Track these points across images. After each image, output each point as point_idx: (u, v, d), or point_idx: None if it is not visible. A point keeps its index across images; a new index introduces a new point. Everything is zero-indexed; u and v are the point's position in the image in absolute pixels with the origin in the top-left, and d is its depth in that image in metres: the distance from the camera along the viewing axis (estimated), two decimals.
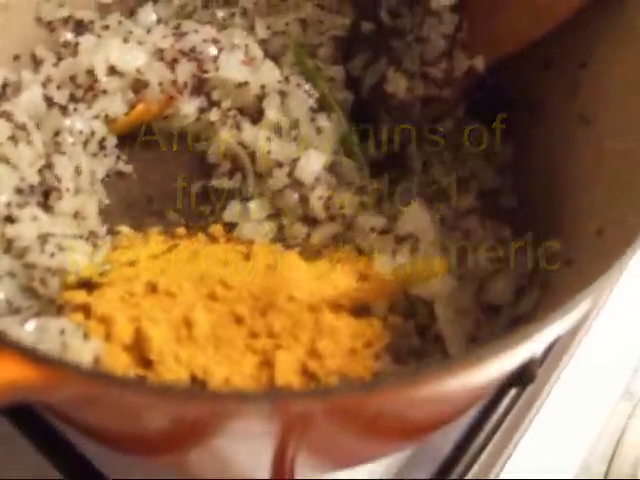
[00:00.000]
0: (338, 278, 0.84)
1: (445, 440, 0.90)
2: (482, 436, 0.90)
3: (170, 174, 0.98)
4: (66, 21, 1.00)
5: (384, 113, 0.96)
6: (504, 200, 0.95)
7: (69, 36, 1.00)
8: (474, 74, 0.90)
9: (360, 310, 0.83)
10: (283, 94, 0.95)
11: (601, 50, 0.86)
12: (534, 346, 0.63)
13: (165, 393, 0.50)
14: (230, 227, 0.93)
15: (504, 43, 0.89)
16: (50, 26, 0.99)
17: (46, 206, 0.91)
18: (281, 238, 0.91)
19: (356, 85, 0.99)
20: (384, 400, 0.55)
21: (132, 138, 0.99)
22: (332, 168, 0.92)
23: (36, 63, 0.98)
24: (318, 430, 0.63)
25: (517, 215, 0.94)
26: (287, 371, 0.78)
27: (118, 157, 0.97)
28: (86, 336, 0.78)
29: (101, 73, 0.96)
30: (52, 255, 0.84)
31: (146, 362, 0.78)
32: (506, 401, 0.93)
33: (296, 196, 0.91)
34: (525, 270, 0.87)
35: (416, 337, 0.83)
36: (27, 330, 0.79)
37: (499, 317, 0.85)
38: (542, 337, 0.60)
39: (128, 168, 0.98)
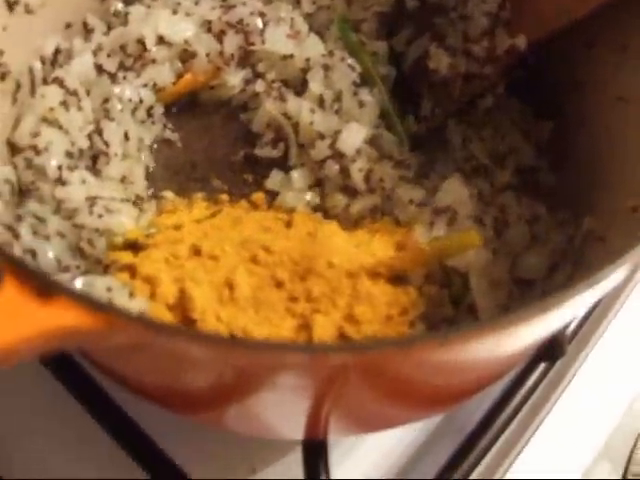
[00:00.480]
0: (376, 247, 0.86)
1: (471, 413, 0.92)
2: (508, 410, 0.92)
3: (215, 142, 1.01)
4: None
5: (426, 88, 0.97)
6: (542, 177, 0.97)
7: (119, 6, 1.03)
8: (516, 52, 0.92)
9: (397, 279, 0.85)
10: (327, 67, 0.97)
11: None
12: (564, 314, 0.65)
13: (212, 341, 0.53)
14: (272, 195, 0.95)
15: (546, 22, 0.89)
16: None
17: (94, 170, 0.94)
18: (321, 208, 0.94)
19: (399, 60, 1.01)
20: (417, 358, 0.57)
21: (179, 106, 1.01)
22: (373, 141, 0.94)
23: (87, 31, 1.01)
24: (352, 388, 0.65)
25: (553, 192, 0.96)
26: (324, 334, 0.80)
27: (165, 125, 1.00)
28: (131, 295, 0.81)
29: (150, 43, 0.98)
30: (100, 216, 0.87)
31: (189, 321, 0.81)
32: (535, 375, 0.95)
33: (337, 167, 0.93)
34: (559, 246, 0.89)
35: (450, 306, 0.85)
36: (75, 287, 0.82)
37: (532, 291, 0.87)
38: (572, 306, 0.61)
39: (174, 136, 1.00)
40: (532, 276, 0.88)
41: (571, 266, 0.86)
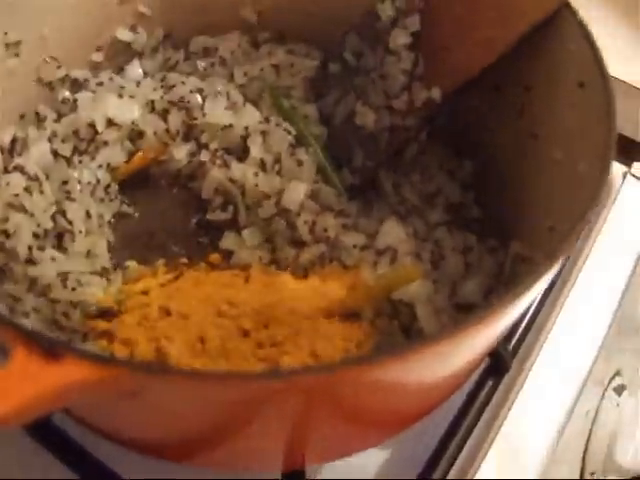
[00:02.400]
0: (328, 290, 0.95)
1: (427, 437, 0.99)
2: (468, 420, 1.01)
3: (168, 211, 1.09)
4: (63, 80, 1.10)
5: (356, 143, 1.06)
6: (468, 211, 1.07)
7: (67, 94, 1.11)
8: (433, 103, 1.00)
9: (350, 315, 0.94)
10: (265, 133, 1.06)
11: (542, 73, 0.96)
12: (499, 324, 0.74)
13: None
14: (228, 255, 1.03)
15: (457, 73, 0.98)
16: (50, 86, 1.09)
17: (61, 247, 1.00)
18: (274, 261, 1.02)
19: (329, 120, 1.10)
20: (377, 373, 0.66)
21: (131, 181, 1.09)
22: (313, 195, 1.03)
23: (40, 120, 1.08)
24: (319, 410, 0.73)
25: (481, 223, 1.06)
26: None
27: (121, 200, 1.08)
28: None
29: (101, 126, 1.06)
30: (73, 290, 0.95)
31: None
32: (485, 390, 1.04)
33: (284, 222, 1.01)
34: (492, 271, 0.99)
35: (401, 335, 0.94)
36: None
37: (472, 314, 0.96)
38: (501, 318, 0.71)
39: (130, 209, 1.08)
40: (470, 301, 0.97)
41: (504, 288, 0.95)
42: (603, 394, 1.15)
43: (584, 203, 0.80)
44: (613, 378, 1.18)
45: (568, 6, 0.92)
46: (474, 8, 0.96)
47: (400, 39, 1.01)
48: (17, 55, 1.03)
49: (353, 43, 1.07)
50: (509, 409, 1.04)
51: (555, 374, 1.08)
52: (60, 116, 1.09)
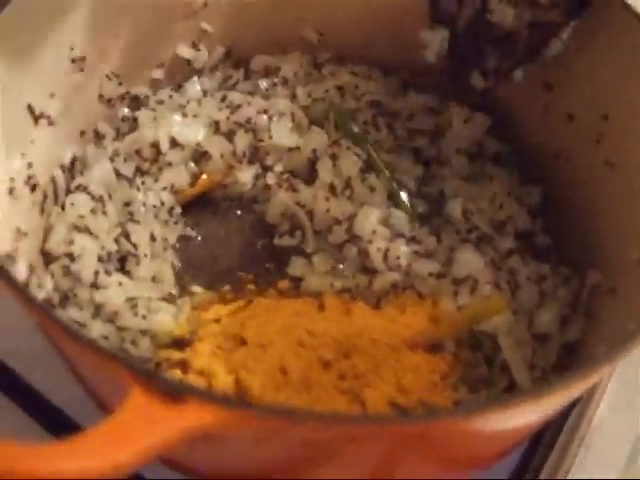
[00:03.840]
0: (410, 321, 0.93)
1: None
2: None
3: (233, 235, 1.06)
4: (123, 97, 1.07)
5: (489, 45, 0.99)
6: (538, 239, 1.05)
7: (126, 111, 1.08)
8: None
9: (432, 347, 0.91)
10: (334, 157, 1.03)
11: (621, 102, 0.95)
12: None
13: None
14: (296, 281, 1.00)
15: None
16: (110, 103, 1.06)
17: (123, 271, 0.97)
18: (344, 289, 0.99)
19: (451, 23, 1.02)
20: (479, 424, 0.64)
21: (193, 204, 1.06)
22: (385, 221, 1.01)
23: (98, 138, 1.05)
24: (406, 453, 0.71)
25: (552, 252, 1.04)
26: (377, 406, 0.86)
27: (185, 223, 1.05)
28: None
29: (164, 146, 1.03)
30: (143, 317, 0.92)
31: None
32: None
33: (355, 249, 0.99)
34: (567, 301, 0.97)
35: (485, 367, 0.92)
36: None
37: (549, 345, 0.94)
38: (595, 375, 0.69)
39: (193, 232, 1.05)
40: (547, 331, 0.95)
41: (583, 318, 0.94)
42: None
43: None
44: None
45: None
46: None
47: None
48: (82, 70, 1.00)
49: None
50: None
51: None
52: (119, 134, 1.06)
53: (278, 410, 0.63)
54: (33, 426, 0.91)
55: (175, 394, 0.60)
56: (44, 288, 0.90)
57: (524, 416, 0.73)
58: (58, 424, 0.92)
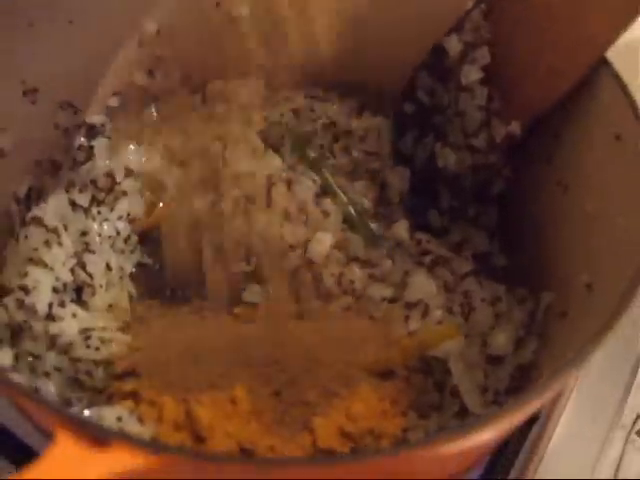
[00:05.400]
0: (361, 344, 0.93)
1: None
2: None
3: (188, 262, 1.06)
4: (79, 126, 1.07)
5: (441, 184, 1.05)
6: (495, 260, 1.05)
7: (83, 140, 1.08)
8: (513, 138, 0.98)
9: (383, 373, 0.92)
10: (289, 182, 1.04)
11: (573, 122, 0.94)
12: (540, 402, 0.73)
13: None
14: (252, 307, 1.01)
15: (534, 105, 0.96)
16: (66, 132, 1.06)
17: (80, 301, 0.98)
18: (299, 314, 1.00)
19: (410, 161, 1.09)
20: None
21: (150, 231, 1.07)
22: (340, 245, 1.01)
23: (55, 168, 1.06)
24: None
25: (509, 272, 1.04)
26: (326, 435, 0.86)
27: (141, 251, 1.05)
28: (140, 420, 0.85)
29: (119, 176, 1.04)
30: (97, 349, 0.92)
31: (198, 439, 0.86)
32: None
33: (309, 275, 1.00)
34: (522, 322, 0.97)
35: (435, 392, 0.92)
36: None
37: (503, 367, 0.94)
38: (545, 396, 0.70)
39: (150, 260, 1.06)
40: (501, 353, 0.95)
41: (536, 340, 0.94)
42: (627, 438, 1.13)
43: (625, 263, 0.79)
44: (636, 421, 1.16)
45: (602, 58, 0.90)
46: (541, 37, 0.93)
47: (472, 75, 0.99)
48: (34, 102, 1.00)
49: (424, 82, 1.06)
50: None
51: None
52: (76, 164, 1.06)
53: (203, 455, 0.64)
54: None
55: (101, 438, 0.60)
56: None
57: (471, 442, 0.73)
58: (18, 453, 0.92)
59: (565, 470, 1.01)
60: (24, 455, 0.91)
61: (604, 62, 0.90)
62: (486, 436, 0.71)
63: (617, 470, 1.08)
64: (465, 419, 0.89)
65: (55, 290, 0.96)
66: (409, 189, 1.08)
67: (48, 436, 0.63)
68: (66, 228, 1.01)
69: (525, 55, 0.95)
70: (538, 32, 0.94)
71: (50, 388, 0.90)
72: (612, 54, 0.90)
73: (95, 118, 1.09)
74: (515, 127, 0.98)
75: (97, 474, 0.59)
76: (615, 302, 0.75)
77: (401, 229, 1.05)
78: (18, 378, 0.87)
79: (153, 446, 0.59)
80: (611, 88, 0.90)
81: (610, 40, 0.88)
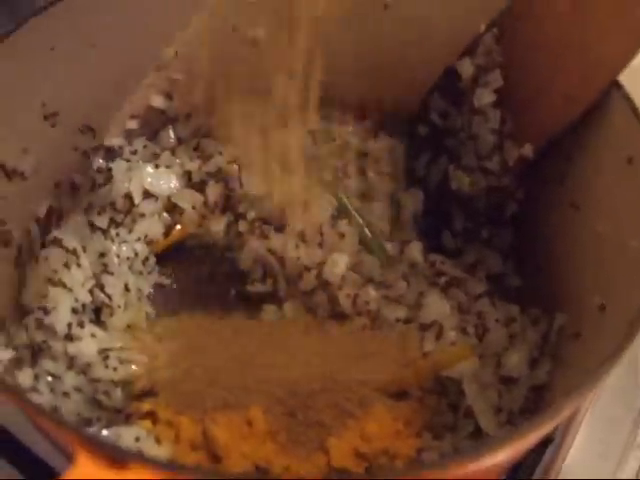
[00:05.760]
0: (376, 365, 0.94)
1: None
2: None
3: (206, 283, 1.07)
4: (97, 149, 1.09)
5: (454, 206, 1.06)
6: (509, 281, 1.06)
7: (101, 162, 1.10)
8: (526, 161, 0.99)
9: (398, 394, 0.93)
10: (305, 204, 1.05)
11: (585, 145, 0.95)
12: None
13: None
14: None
15: (547, 128, 0.97)
16: (84, 155, 1.08)
17: (98, 322, 0.99)
18: (314, 334, 1.00)
19: (423, 183, 1.10)
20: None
21: (168, 252, 1.08)
22: (355, 267, 1.02)
23: (74, 189, 1.07)
24: None
25: (523, 292, 1.05)
26: (340, 455, 0.87)
27: (159, 272, 1.07)
28: (158, 441, 0.87)
29: (137, 198, 1.05)
30: (115, 369, 0.93)
31: (215, 457, 0.87)
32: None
33: (325, 296, 1.01)
34: (536, 343, 0.97)
35: (450, 413, 0.92)
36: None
37: (518, 387, 0.95)
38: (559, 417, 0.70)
39: (167, 280, 1.07)
40: (515, 374, 0.95)
41: (550, 361, 0.94)
42: None
43: (638, 285, 0.79)
44: None
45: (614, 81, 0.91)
46: (553, 61, 0.94)
47: (485, 98, 1.00)
48: (54, 126, 1.01)
49: (437, 104, 1.07)
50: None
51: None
52: (95, 185, 1.08)
53: (221, 475, 0.64)
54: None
55: (119, 459, 0.61)
56: (10, 347, 0.91)
57: (485, 463, 0.73)
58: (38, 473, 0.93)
59: None
60: (45, 475, 0.92)
61: (615, 84, 0.90)
62: (500, 457, 0.72)
63: None
64: (479, 440, 0.89)
65: (74, 311, 0.98)
66: (422, 211, 1.09)
67: (67, 456, 0.64)
68: (85, 250, 1.02)
69: (538, 79, 0.96)
70: (550, 57, 0.94)
71: (69, 408, 0.91)
72: (623, 77, 0.91)
73: (114, 141, 1.11)
74: (528, 150, 0.98)
75: None
76: (628, 324, 0.75)
77: (415, 250, 1.05)
78: (38, 398, 0.88)
79: (170, 467, 0.60)
80: (623, 110, 0.90)
81: (622, 64, 0.89)
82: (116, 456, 0.61)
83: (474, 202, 1.05)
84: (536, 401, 0.93)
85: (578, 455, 1.03)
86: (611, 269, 0.89)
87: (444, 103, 1.06)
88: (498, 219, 1.06)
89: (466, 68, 1.02)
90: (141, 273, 1.04)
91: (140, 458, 0.60)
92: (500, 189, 1.02)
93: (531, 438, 0.72)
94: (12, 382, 0.82)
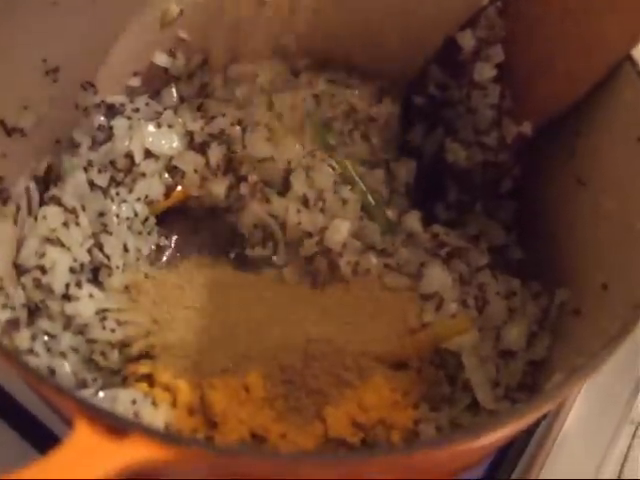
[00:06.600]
0: (376, 333, 0.93)
1: None
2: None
3: (206, 245, 1.07)
4: (99, 106, 1.07)
5: (449, 178, 1.05)
6: (511, 253, 1.05)
7: (102, 119, 1.08)
8: (524, 138, 0.98)
9: (396, 364, 0.92)
10: (308, 168, 1.04)
11: (595, 121, 0.94)
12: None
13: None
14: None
15: (547, 106, 0.95)
16: (85, 111, 1.06)
17: (96, 282, 0.98)
18: (314, 299, 1.00)
19: (417, 154, 1.08)
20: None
21: (167, 214, 1.07)
22: (357, 233, 1.01)
23: (74, 146, 1.06)
24: None
25: (524, 266, 1.04)
26: (338, 424, 0.87)
27: (159, 233, 1.06)
28: (154, 404, 0.86)
29: (139, 157, 1.04)
30: (112, 331, 0.93)
31: (211, 423, 0.86)
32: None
33: (326, 262, 1.00)
34: (536, 317, 0.97)
35: (447, 385, 0.92)
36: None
37: (516, 362, 0.95)
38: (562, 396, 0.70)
39: (167, 242, 1.06)
40: (514, 348, 0.95)
41: (549, 336, 0.94)
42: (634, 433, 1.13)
43: None
44: None
45: (627, 56, 0.89)
46: (557, 38, 0.93)
47: (485, 72, 0.99)
48: (55, 81, 1.00)
49: (436, 75, 1.05)
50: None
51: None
52: (95, 143, 1.06)
53: (221, 448, 0.64)
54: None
55: (119, 428, 0.61)
56: (8, 307, 0.90)
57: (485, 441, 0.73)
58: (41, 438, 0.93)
59: (571, 467, 1.01)
60: (46, 439, 0.92)
61: (630, 61, 0.89)
62: (500, 435, 0.72)
63: (622, 465, 1.09)
64: (476, 413, 0.90)
65: (72, 270, 0.97)
66: (416, 181, 1.07)
67: (66, 421, 0.63)
68: (84, 208, 1.01)
69: (540, 56, 0.95)
70: (554, 34, 0.93)
71: (65, 368, 0.91)
72: (638, 53, 0.89)
73: (115, 98, 1.09)
74: (526, 127, 0.98)
75: (115, 465, 0.60)
76: (632, 305, 0.75)
77: (413, 220, 1.04)
78: (34, 360, 0.88)
79: (169, 438, 0.60)
80: (635, 87, 0.89)
81: (629, 43, 0.87)
82: (116, 425, 0.61)
83: (469, 176, 1.04)
84: (534, 377, 0.93)
85: (572, 430, 1.04)
86: (615, 249, 0.88)
87: (443, 75, 1.04)
88: (492, 194, 1.05)
89: (467, 40, 1.00)
90: (140, 234, 1.03)
91: (140, 427, 0.60)
92: (497, 165, 1.02)
93: (533, 416, 0.72)
94: (10, 345, 0.81)
